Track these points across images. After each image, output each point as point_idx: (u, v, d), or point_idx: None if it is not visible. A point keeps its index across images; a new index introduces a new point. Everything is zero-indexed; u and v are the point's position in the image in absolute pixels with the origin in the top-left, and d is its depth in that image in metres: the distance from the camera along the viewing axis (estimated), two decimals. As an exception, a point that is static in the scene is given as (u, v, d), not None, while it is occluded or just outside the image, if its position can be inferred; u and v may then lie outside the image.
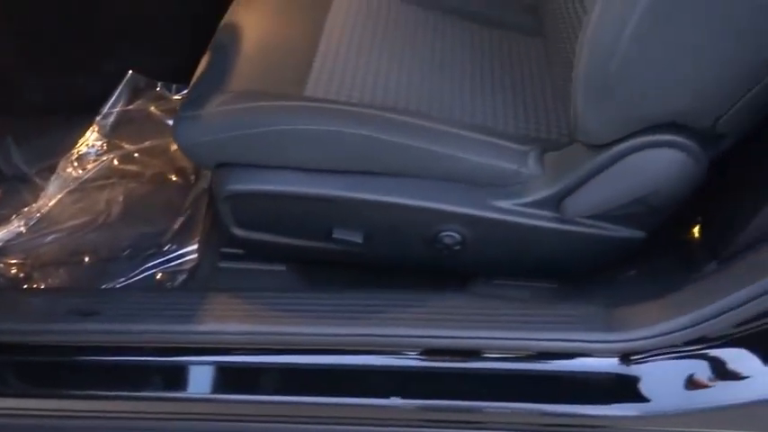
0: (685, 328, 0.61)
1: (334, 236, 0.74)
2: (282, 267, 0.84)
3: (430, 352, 0.69)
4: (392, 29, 0.87)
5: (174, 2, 1.12)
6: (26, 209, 1.01)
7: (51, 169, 1.06)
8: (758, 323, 0.60)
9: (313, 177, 0.71)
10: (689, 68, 0.57)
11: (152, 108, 1.11)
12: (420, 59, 0.83)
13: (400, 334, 0.69)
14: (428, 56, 0.84)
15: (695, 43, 0.55)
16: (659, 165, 0.64)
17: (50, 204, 1.02)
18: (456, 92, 0.80)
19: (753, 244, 0.69)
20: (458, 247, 0.74)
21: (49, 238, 0.97)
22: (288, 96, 0.72)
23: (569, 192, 0.70)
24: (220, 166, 0.74)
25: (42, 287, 0.91)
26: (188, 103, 0.75)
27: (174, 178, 1.02)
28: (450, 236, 0.73)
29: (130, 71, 1.14)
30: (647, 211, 0.70)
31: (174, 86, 1.16)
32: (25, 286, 0.91)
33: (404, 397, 0.70)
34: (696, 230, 0.84)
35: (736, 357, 0.62)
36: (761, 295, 0.58)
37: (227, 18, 0.91)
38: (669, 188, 0.65)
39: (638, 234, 0.72)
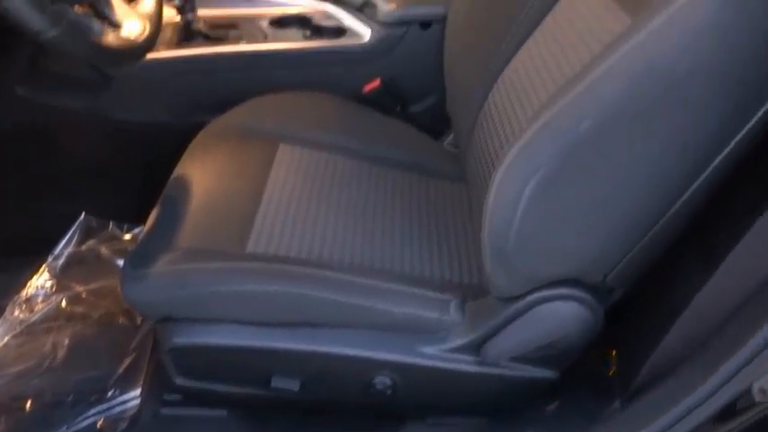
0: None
1: (273, 384, 0.78)
2: (224, 413, 0.87)
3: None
4: (329, 182, 0.96)
5: (126, 148, 1.20)
6: (-29, 354, 1.02)
7: (-1, 312, 1.08)
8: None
9: (251, 330, 0.77)
10: (574, 239, 0.66)
11: (103, 249, 1.16)
12: (354, 212, 0.91)
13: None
14: (361, 207, 0.93)
15: (577, 219, 0.65)
16: (559, 315, 0.72)
17: (-5, 349, 1.03)
18: (386, 241, 0.88)
19: (656, 375, 0.77)
20: (390, 392, 0.79)
21: (-7, 385, 0.97)
22: (230, 255, 0.79)
23: (488, 337, 0.77)
24: (165, 319, 0.79)
25: (-19, 438, 0.91)
26: (136, 260, 0.80)
27: (120, 320, 1.06)
28: (382, 381, 0.78)
29: (84, 212, 1.20)
30: (557, 353, 0.77)
31: (125, 226, 1.21)
32: (-35, 437, 0.91)
33: None
34: (611, 363, 0.92)
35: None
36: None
37: (177, 170, 0.98)
38: (570, 336, 0.73)
39: (551, 374, 0.79)
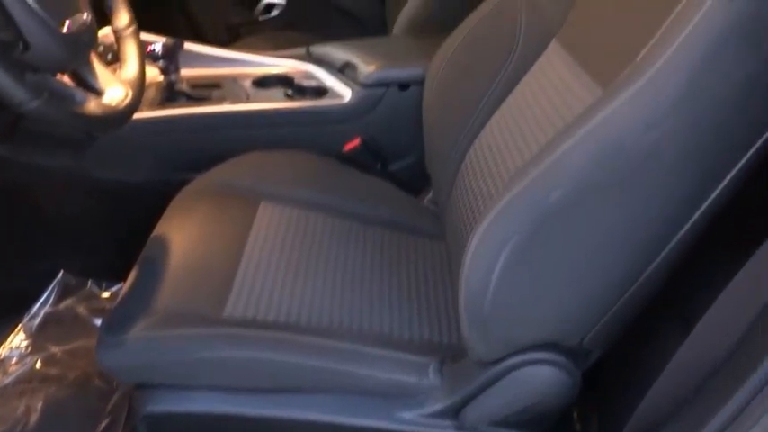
0: None
1: (250, 452, 0.77)
2: (200, 482, 0.85)
3: None
4: (309, 241, 0.96)
5: (108, 205, 1.20)
6: (-61, 420, 0.99)
7: (-28, 374, 1.06)
8: None
9: (228, 397, 0.76)
10: (549, 305, 0.67)
11: (81, 308, 1.15)
12: (333, 272, 0.91)
13: None
14: (341, 267, 0.93)
15: (551, 286, 0.66)
16: (537, 379, 0.72)
17: (-34, 414, 1.00)
18: (365, 302, 0.88)
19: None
20: (368, 459, 0.78)
21: (-40, 454, 0.95)
22: (208, 320, 0.78)
23: (467, 402, 0.76)
24: (140, 385, 0.78)
25: None
26: (112, 325, 0.80)
27: (96, 381, 1.04)
28: (361, 448, 0.77)
29: (62, 270, 1.19)
30: (537, 417, 0.77)
31: (104, 284, 1.21)
32: None
33: None
34: (593, 423, 0.91)
35: None
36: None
37: (157, 229, 0.98)
38: (548, 399, 0.73)
39: (532, 438, 0.79)
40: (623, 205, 0.62)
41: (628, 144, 0.59)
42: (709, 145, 0.60)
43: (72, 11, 0.77)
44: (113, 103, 0.81)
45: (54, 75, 0.76)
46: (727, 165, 0.61)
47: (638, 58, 0.60)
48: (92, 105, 0.76)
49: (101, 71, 0.83)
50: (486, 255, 0.65)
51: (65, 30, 0.74)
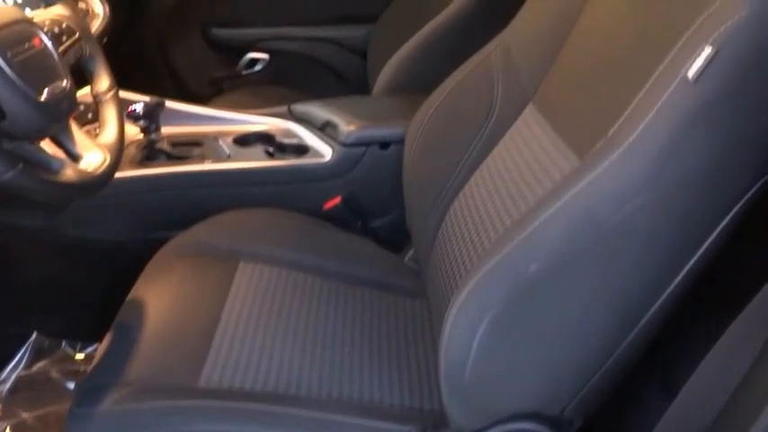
0: None
1: None
2: None
3: None
4: (288, 303, 0.95)
5: (85, 265, 1.19)
6: None
7: (-64, 444, 1.02)
8: None
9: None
10: (530, 376, 0.67)
11: (54, 371, 1.12)
12: (312, 335, 0.90)
13: None
14: (321, 330, 0.92)
15: (532, 356, 0.65)
16: (519, 449, 0.71)
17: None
18: (345, 368, 0.86)
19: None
20: None
21: None
22: (182, 392, 0.76)
23: (448, 474, 0.75)
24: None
25: None
26: (83, 397, 0.77)
27: (67, 451, 1.00)
28: None
29: (35, 332, 1.16)
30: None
31: (78, 344, 1.18)
32: None
33: None
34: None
35: None
36: None
37: (134, 291, 0.97)
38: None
39: None
40: (601, 276, 0.62)
41: (602, 217, 0.59)
42: (684, 216, 0.61)
43: (52, 79, 0.77)
44: (90, 169, 0.80)
45: (32, 142, 0.75)
46: (704, 233, 0.62)
47: (609, 133, 0.61)
48: (68, 172, 0.76)
49: (79, 136, 0.83)
50: (465, 325, 0.65)
51: (43, 98, 0.74)
